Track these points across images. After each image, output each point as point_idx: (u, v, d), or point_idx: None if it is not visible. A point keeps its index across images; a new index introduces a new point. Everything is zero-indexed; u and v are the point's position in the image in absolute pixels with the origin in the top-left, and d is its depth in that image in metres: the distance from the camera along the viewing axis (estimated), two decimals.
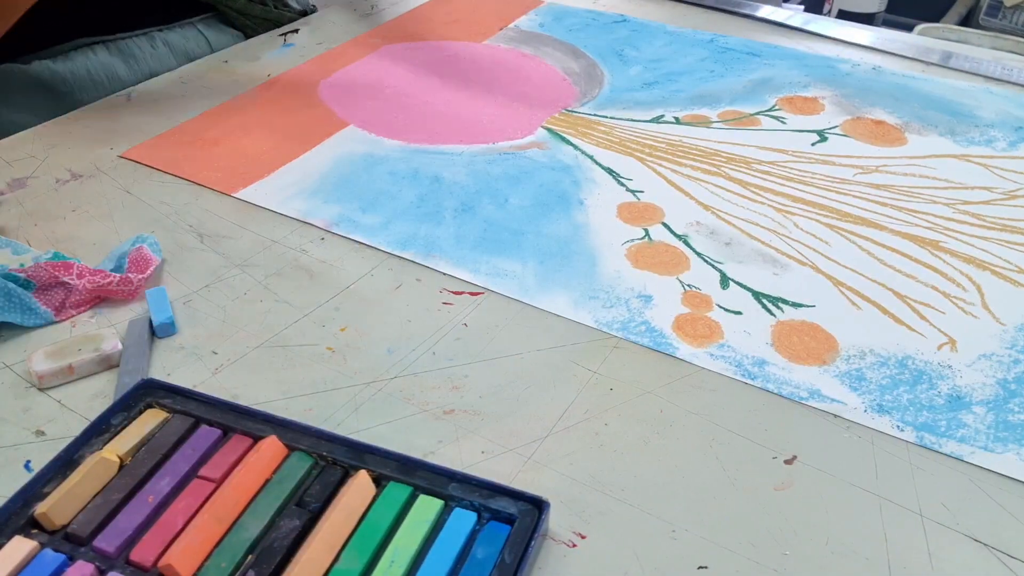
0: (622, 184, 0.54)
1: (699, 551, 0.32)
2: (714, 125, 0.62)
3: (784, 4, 0.95)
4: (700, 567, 0.31)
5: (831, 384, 0.39)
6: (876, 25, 1.34)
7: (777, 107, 0.64)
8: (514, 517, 0.31)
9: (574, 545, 0.32)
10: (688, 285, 0.45)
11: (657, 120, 0.62)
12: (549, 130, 0.61)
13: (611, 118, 0.63)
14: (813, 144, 0.59)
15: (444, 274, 0.45)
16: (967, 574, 0.31)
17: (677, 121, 0.62)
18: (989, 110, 0.65)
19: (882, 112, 0.64)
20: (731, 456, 0.36)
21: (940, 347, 0.42)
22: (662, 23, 0.79)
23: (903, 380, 0.40)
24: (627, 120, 0.62)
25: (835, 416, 0.38)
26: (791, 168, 0.56)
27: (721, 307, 0.44)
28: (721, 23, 0.81)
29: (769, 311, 0.43)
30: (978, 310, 0.44)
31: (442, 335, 0.42)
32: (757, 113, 0.64)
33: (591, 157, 0.57)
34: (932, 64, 0.72)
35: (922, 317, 0.44)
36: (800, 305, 0.44)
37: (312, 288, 0.44)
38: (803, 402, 0.38)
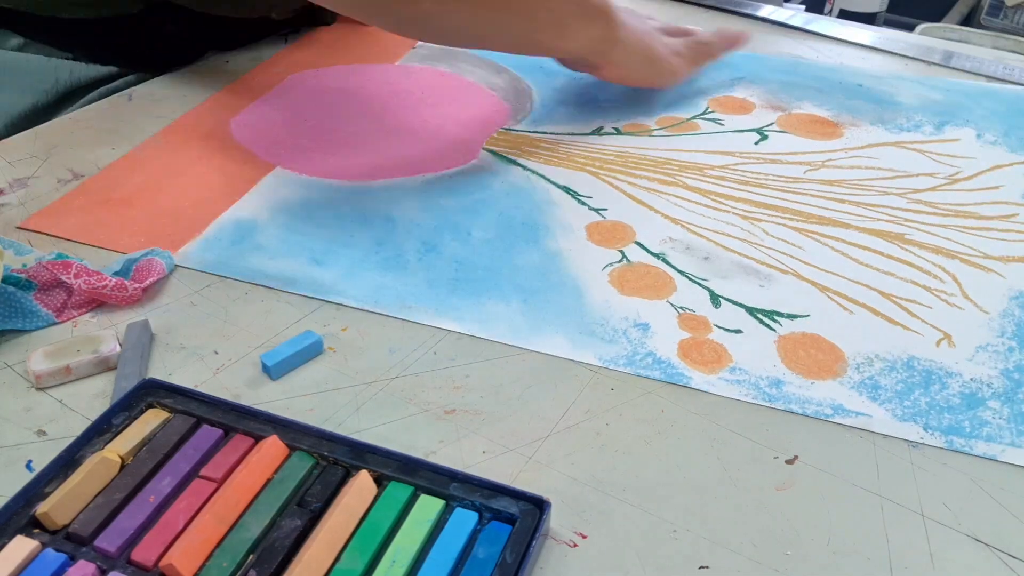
0: (583, 203, 0.52)
1: (700, 551, 0.32)
2: (655, 133, 0.61)
3: (785, 4, 0.95)
4: (701, 567, 0.31)
5: (851, 397, 0.39)
6: (877, 25, 1.34)
7: (710, 110, 0.64)
8: (515, 517, 0.31)
9: (575, 545, 0.32)
10: (681, 307, 0.44)
11: (598, 132, 0.60)
12: (492, 152, 0.57)
13: (552, 134, 0.60)
14: (756, 143, 0.59)
15: (428, 326, 0.42)
16: (969, 574, 0.31)
17: (618, 132, 0.61)
18: (908, 95, 0.66)
19: (811, 105, 0.65)
20: (732, 456, 0.36)
21: (938, 343, 0.42)
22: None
23: (915, 383, 0.39)
24: (568, 135, 0.60)
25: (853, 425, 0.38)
26: (743, 171, 0.56)
27: (720, 327, 0.43)
28: (721, 23, 0.81)
29: (768, 326, 0.43)
30: (961, 300, 0.45)
31: (443, 334, 0.42)
32: (693, 117, 0.63)
33: (544, 177, 0.54)
34: (933, 64, 0.72)
35: (913, 315, 0.44)
36: (795, 316, 0.43)
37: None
38: (829, 419, 0.37)
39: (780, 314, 0.44)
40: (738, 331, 0.42)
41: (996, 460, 0.36)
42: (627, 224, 0.50)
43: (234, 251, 0.47)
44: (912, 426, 0.37)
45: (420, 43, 0.72)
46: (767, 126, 0.62)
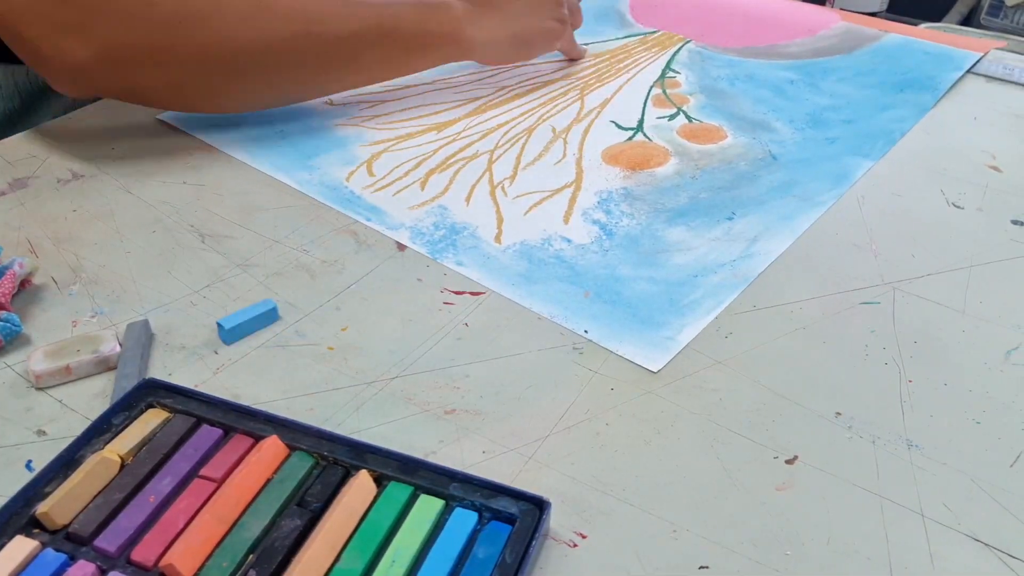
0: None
1: (700, 551, 0.32)
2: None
3: None
4: (701, 567, 0.31)
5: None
6: None
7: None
8: (515, 517, 0.31)
9: (575, 545, 0.32)
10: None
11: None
12: None
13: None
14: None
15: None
16: (968, 574, 0.31)
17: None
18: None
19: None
20: (732, 456, 0.36)
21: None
22: None
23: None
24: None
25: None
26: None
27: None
28: None
29: None
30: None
31: (443, 335, 0.42)
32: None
33: None
34: None
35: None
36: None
37: (313, 288, 0.44)
38: None
39: None
40: None
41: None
42: None
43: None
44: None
45: None
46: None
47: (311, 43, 0.54)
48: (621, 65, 0.70)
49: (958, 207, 0.53)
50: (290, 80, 0.56)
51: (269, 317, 0.42)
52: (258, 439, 0.34)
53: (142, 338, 0.40)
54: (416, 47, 0.59)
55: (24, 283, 0.43)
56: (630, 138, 0.60)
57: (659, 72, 0.69)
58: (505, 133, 0.60)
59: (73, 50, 0.48)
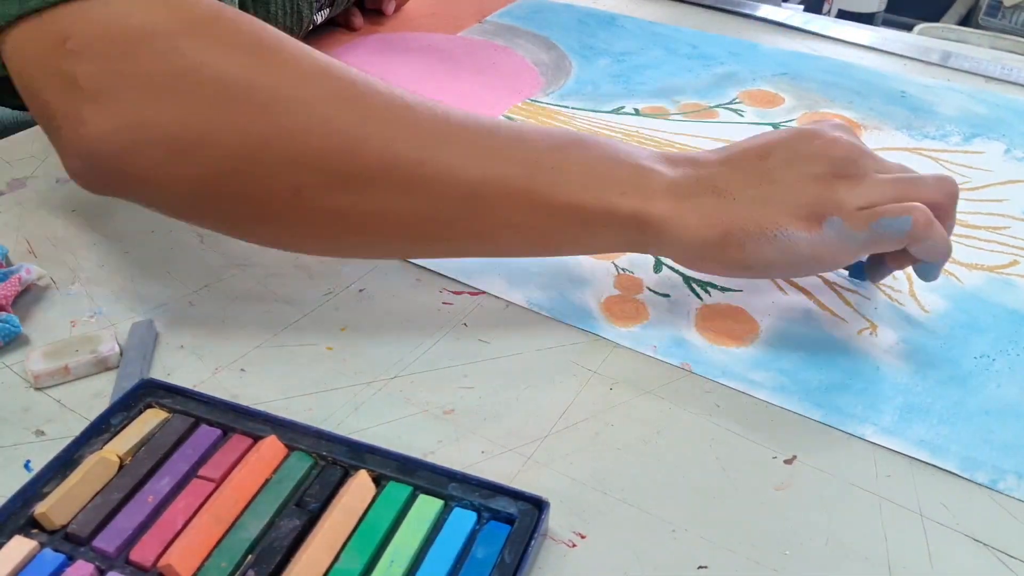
0: None
1: (699, 551, 0.32)
2: (672, 117, 0.62)
3: (784, 4, 0.95)
4: (700, 567, 0.31)
5: (744, 365, 0.40)
6: (876, 25, 1.34)
7: (737, 100, 0.65)
8: (514, 517, 0.31)
9: (574, 545, 0.32)
10: (622, 269, 0.46)
11: (617, 111, 0.63)
12: (510, 118, 0.60)
13: (572, 108, 0.63)
14: None
15: (435, 272, 0.45)
16: (967, 574, 0.31)
17: (636, 112, 0.63)
18: (950, 106, 0.65)
19: (841, 107, 0.64)
20: (731, 456, 0.36)
21: (860, 332, 0.42)
22: (652, 21, 0.79)
23: (816, 362, 0.40)
24: (588, 111, 0.63)
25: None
26: None
27: (651, 290, 0.45)
28: (720, 23, 0.81)
29: (697, 294, 0.44)
30: (904, 298, 0.45)
31: (442, 335, 0.42)
32: (717, 106, 0.64)
33: None
34: (932, 64, 0.73)
35: (847, 303, 0.44)
36: (728, 290, 0.45)
37: (312, 288, 0.44)
38: (715, 380, 0.39)
39: (714, 286, 0.45)
40: (666, 295, 0.44)
41: (863, 439, 0.36)
42: None
43: None
44: (794, 399, 0.38)
45: (486, 19, 0.78)
46: (787, 121, 0.62)
47: (409, 181, 0.37)
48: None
49: None
50: (367, 229, 0.38)
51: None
52: (257, 439, 0.34)
53: (146, 337, 0.40)
54: (574, 221, 0.39)
55: (29, 287, 0.43)
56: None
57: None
58: None
59: (83, 118, 0.34)
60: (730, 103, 0.64)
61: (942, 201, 0.38)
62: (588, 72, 0.69)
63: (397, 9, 0.77)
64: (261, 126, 0.35)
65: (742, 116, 0.62)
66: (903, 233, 0.37)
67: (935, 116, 0.64)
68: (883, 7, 1.71)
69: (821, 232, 0.37)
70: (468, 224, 0.38)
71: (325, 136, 0.35)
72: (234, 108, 0.34)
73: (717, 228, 0.38)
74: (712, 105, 0.64)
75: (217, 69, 0.34)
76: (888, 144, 0.60)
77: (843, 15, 1.69)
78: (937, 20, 1.67)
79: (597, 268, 0.46)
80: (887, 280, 0.45)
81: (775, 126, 0.61)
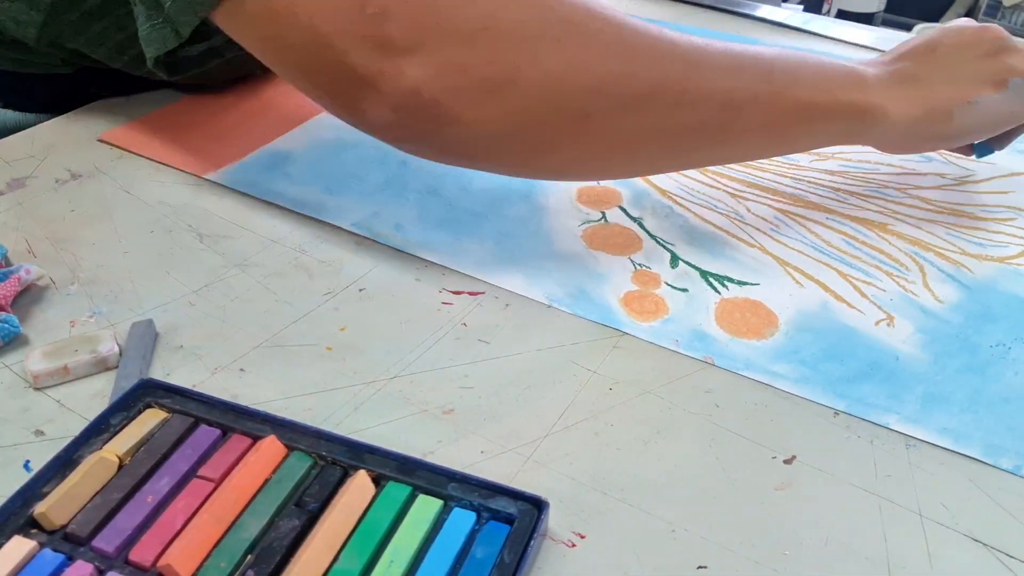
0: None
1: (699, 551, 0.32)
2: None
3: (783, 4, 0.95)
4: (700, 567, 0.31)
5: (766, 357, 0.40)
6: (875, 25, 1.34)
7: None
8: (513, 517, 0.31)
9: (573, 545, 0.32)
10: (639, 264, 0.47)
11: None
12: None
13: None
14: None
15: (409, 255, 0.46)
16: (966, 574, 0.31)
17: None
18: None
19: None
20: (731, 456, 0.36)
21: (878, 323, 0.43)
22: (664, 20, 0.79)
23: (836, 353, 0.41)
24: None
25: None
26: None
27: (669, 284, 0.45)
28: (720, 22, 0.81)
29: (715, 288, 0.45)
30: (919, 288, 0.45)
31: (442, 335, 0.42)
32: None
33: None
34: None
35: (863, 295, 0.45)
36: (745, 283, 0.45)
37: (311, 288, 0.44)
38: (738, 372, 0.39)
39: (731, 279, 0.45)
40: (684, 290, 0.45)
41: (888, 428, 0.37)
42: (618, 190, 0.53)
43: (264, 175, 0.53)
44: (817, 390, 0.39)
45: None
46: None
47: (678, 96, 0.42)
48: None
49: None
50: (639, 145, 0.43)
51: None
52: (256, 439, 0.34)
53: (146, 337, 0.40)
54: (809, 117, 0.45)
55: (28, 287, 0.43)
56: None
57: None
58: None
59: (401, 71, 0.38)
60: None
61: None
62: None
63: None
64: (554, 63, 0.39)
65: None
66: None
67: None
68: (883, 7, 1.71)
69: (1007, 91, 0.48)
70: (723, 131, 0.44)
71: (608, 69, 0.40)
72: (532, 48, 0.39)
73: (924, 106, 0.47)
74: None
75: (512, 15, 0.39)
76: None
77: (842, 15, 1.68)
78: (937, 20, 1.67)
79: (614, 264, 0.46)
80: (901, 271, 0.46)
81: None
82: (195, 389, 0.37)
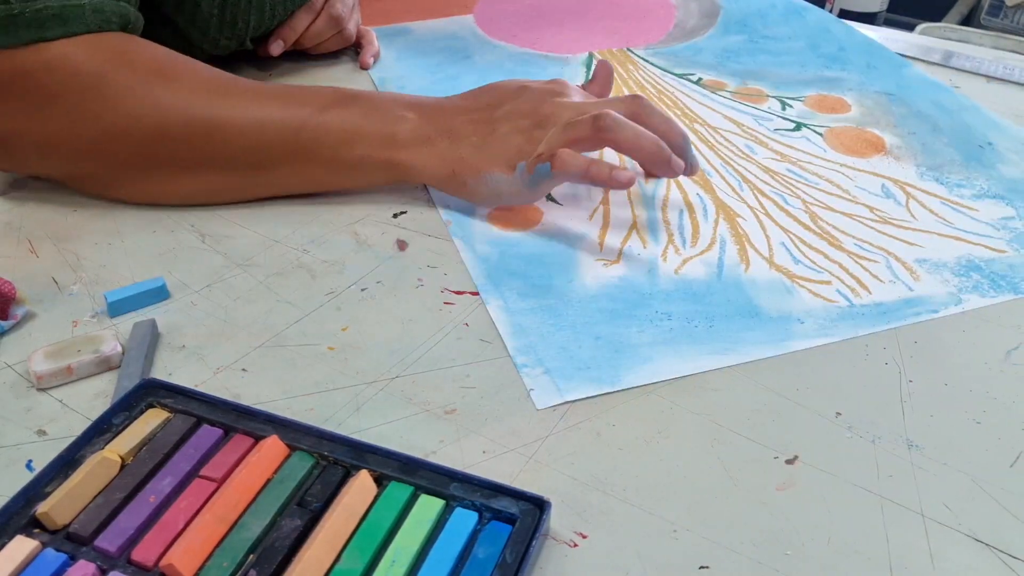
0: None
1: (701, 551, 0.32)
2: (722, 94, 0.65)
3: None
4: (702, 567, 0.31)
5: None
6: (878, 24, 1.34)
7: (801, 98, 0.65)
8: (515, 517, 0.31)
9: (575, 545, 0.32)
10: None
11: (684, 77, 0.66)
12: (589, 58, 0.69)
13: (651, 63, 0.68)
14: (777, 130, 0.60)
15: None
16: (969, 574, 0.31)
17: (699, 82, 0.66)
18: (1015, 166, 0.56)
19: (896, 134, 0.59)
20: (733, 456, 0.36)
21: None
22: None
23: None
24: (661, 70, 0.67)
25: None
26: (734, 143, 0.59)
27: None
28: None
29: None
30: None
31: (443, 335, 0.42)
32: (773, 96, 0.65)
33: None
34: (934, 64, 0.72)
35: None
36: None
37: (313, 288, 0.44)
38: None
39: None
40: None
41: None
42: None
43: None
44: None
45: None
46: (814, 126, 0.61)
47: (213, 148, 0.48)
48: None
49: None
50: (194, 180, 0.49)
51: (158, 294, 0.43)
52: (258, 439, 0.34)
53: (148, 337, 0.40)
54: (340, 168, 0.49)
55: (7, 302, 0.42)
56: (796, 128, 0.61)
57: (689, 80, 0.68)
58: None
59: None
60: (791, 97, 0.65)
61: (605, 135, 0.46)
62: (716, 41, 0.73)
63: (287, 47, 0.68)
64: (104, 116, 0.46)
65: (789, 108, 0.63)
66: (550, 174, 0.46)
67: (992, 172, 0.55)
68: (885, 7, 1.71)
69: (514, 175, 0.47)
70: (253, 160, 0.49)
71: (141, 114, 0.47)
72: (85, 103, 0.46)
73: (447, 168, 0.49)
74: (769, 94, 0.65)
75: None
76: (896, 175, 0.55)
77: (845, 15, 1.68)
78: (939, 20, 1.67)
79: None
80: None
81: (799, 124, 0.61)
82: (197, 389, 0.37)
